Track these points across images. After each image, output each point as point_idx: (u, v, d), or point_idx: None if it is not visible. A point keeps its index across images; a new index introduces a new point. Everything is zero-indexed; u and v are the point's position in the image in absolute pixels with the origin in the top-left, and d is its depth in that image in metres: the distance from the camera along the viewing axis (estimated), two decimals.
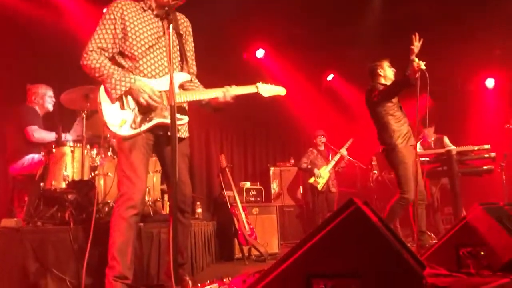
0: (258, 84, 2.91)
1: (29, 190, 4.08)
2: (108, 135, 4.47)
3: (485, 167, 5.75)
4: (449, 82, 8.35)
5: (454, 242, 2.76)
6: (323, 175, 6.85)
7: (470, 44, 7.18)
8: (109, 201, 4.00)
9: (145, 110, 2.59)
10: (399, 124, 4.33)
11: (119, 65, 2.67)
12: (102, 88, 2.61)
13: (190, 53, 2.93)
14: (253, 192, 6.04)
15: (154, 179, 4.14)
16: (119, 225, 2.54)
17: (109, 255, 2.53)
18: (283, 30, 7.19)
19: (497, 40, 7.33)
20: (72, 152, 4.03)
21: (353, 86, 8.48)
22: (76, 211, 3.61)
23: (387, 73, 4.49)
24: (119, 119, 2.55)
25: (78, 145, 4.08)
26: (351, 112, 8.50)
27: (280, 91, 3.02)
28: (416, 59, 3.94)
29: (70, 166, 3.97)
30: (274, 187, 7.44)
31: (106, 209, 3.94)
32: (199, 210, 5.13)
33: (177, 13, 2.86)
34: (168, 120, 2.52)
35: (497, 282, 2.16)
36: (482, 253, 2.62)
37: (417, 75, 3.92)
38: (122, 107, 2.57)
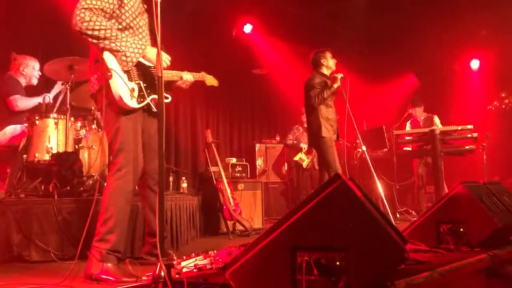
0: (203, 73, 3.12)
1: (12, 161, 4.02)
2: (93, 108, 4.42)
3: (467, 147, 5.86)
4: (434, 63, 8.40)
5: (435, 219, 2.82)
6: (308, 152, 6.89)
7: (455, 24, 7.19)
8: (93, 174, 3.99)
9: (147, 84, 2.62)
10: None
11: None
12: (108, 54, 2.51)
13: None
14: (238, 168, 6.05)
15: None
16: (118, 199, 2.53)
17: (102, 228, 2.52)
18: (271, 4, 7.09)
19: (483, 21, 7.35)
20: (56, 124, 3.97)
21: (339, 63, 8.44)
22: (60, 184, 3.59)
23: (329, 63, 4.93)
24: (128, 90, 2.52)
25: (62, 117, 4.02)
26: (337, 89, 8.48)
27: (216, 82, 3.27)
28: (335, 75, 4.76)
29: (54, 138, 3.92)
30: (260, 163, 7.47)
31: (91, 181, 3.92)
32: (184, 185, 5.13)
33: None
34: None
35: (475, 257, 2.22)
36: (461, 229, 2.68)
37: (336, 83, 4.69)
38: (130, 78, 2.55)
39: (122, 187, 2.54)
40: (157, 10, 2.18)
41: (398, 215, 6.46)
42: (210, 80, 3.21)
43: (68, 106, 3.96)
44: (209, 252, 2.58)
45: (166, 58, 2.77)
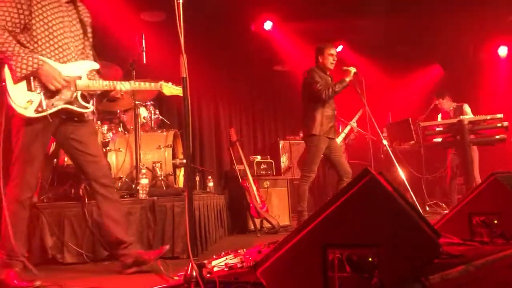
0: (161, 82, 2.93)
1: (42, 166, 4.11)
2: (119, 111, 4.49)
3: (497, 137, 5.69)
4: (461, 51, 8.20)
5: (467, 211, 2.76)
6: None
7: (482, 11, 6.99)
8: (121, 176, 4.05)
9: (52, 94, 2.57)
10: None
11: (22, 45, 2.56)
12: (7, 66, 2.53)
13: (90, 43, 2.89)
14: (263, 166, 6.05)
15: (166, 154, 4.16)
16: (12, 207, 2.53)
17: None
18: (291, 0, 7.04)
19: (511, 6, 7.13)
20: None
21: (362, 56, 8.35)
22: (89, 187, 3.66)
23: (326, 61, 4.79)
24: (25, 100, 2.50)
25: None
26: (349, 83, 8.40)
27: (179, 91, 3.00)
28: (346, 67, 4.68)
29: None
30: (284, 160, 7.44)
31: (119, 184, 3.99)
32: (210, 184, 5.16)
33: (78, 3, 2.83)
34: (73, 107, 2.62)
35: (511, 250, 2.16)
36: (495, 221, 2.61)
37: (348, 77, 4.60)
38: (30, 88, 2.52)
39: (18, 196, 2.56)
40: (179, 11, 2.19)
41: (427, 208, 6.35)
42: (170, 90, 2.96)
43: (94, 110, 4.02)
44: (239, 251, 2.58)
45: (89, 66, 2.75)
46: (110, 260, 3.29)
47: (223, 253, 2.55)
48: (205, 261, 2.32)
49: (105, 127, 4.40)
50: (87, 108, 2.71)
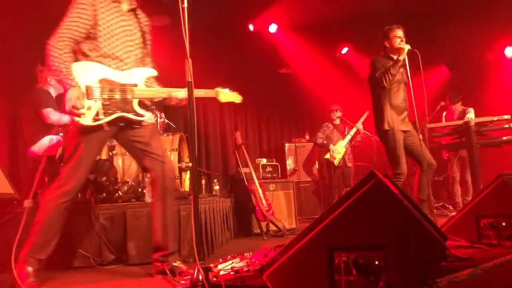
0: (217, 89, 2.89)
1: (49, 171, 4.14)
2: None
3: (504, 138, 5.65)
4: (467, 52, 8.15)
5: (474, 214, 2.74)
6: (339, 150, 6.81)
7: (488, 12, 6.96)
8: (128, 180, 4.06)
9: (109, 103, 2.58)
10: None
11: (84, 53, 2.62)
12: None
13: (148, 51, 2.91)
14: (269, 169, 6.05)
15: (172, 157, 4.17)
16: (46, 208, 2.56)
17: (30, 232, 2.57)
18: (296, 3, 7.05)
19: None
20: None
21: (368, 58, 8.31)
22: (96, 191, 3.67)
23: (393, 43, 4.33)
24: (84, 107, 2.51)
25: None
26: (366, 85, 8.37)
27: (236, 97, 2.96)
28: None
29: None
30: (290, 163, 7.44)
31: (125, 187, 4.00)
32: (216, 187, 5.16)
33: (138, 11, 2.85)
34: (129, 114, 2.62)
35: None
36: (503, 224, 2.60)
37: (402, 55, 4.11)
38: (88, 96, 2.54)
39: (54, 198, 2.58)
40: (184, 16, 2.21)
41: (434, 211, 6.31)
42: (226, 96, 2.91)
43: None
44: (245, 254, 2.58)
45: (146, 74, 2.77)
46: (116, 264, 3.30)
47: (229, 256, 2.55)
48: (211, 265, 2.32)
49: None
50: (143, 116, 2.70)
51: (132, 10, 2.80)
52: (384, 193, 1.65)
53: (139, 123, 2.72)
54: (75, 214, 3.38)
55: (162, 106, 2.83)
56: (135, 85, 2.67)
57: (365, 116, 6.82)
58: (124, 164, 4.15)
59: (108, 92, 2.57)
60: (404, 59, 4.15)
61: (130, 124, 2.71)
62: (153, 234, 2.78)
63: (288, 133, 8.50)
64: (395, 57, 4.23)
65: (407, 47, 4.11)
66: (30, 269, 2.48)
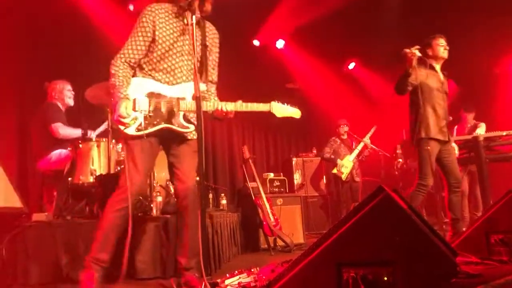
0: (272, 103, 2.89)
1: (58, 185, 4.17)
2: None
3: None
4: (475, 66, 8.14)
5: (484, 229, 2.71)
6: (346, 164, 6.79)
7: (495, 26, 6.96)
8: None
9: (155, 114, 2.67)
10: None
11: (140, 66, 2.76)
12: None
13: (213, 63, 2.97)
14: (276, 183, 6.03)
15: None
16: (108, 216, 2.64)
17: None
18: (303, 17, 7.10)
19: None
20: (98, 146, 4.10)
21: (375, 73, 8.36)
22: (104, 205, 3.68)
23: (436, 53, 4.32)
24: (130, 118, 2.62)
25: (104, 139, 4.15)
26: (373, 100, 8.38)
27: (295, 113, 2.94)
28: (408, 50, 3.98)
29: (97, 160, 4.04)
30: (297, 177, 7.41)
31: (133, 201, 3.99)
32: (223, 202, 5.14)
33: (207, 23, 2.91)
34: (174, 126, 2.69)
35: None
36: None
37: (414, 62, 3.94)
38: (134, 108, 2.64)
39: (114, 204, 2.66)
40: (193, 31, 2.23)
41: (444, 226, 6.24)
42: (283, 111, 2.88)
43: (109, 128, 4.08)
44: (252, 269, 2.56)
45: None
46: (124, 278, 3.29)
47: (236, 271, 2.53)
48: (218, 280, 2.30)
49: (119, 146, 4.44)
50: (188, 128, 2.75)
51: (197, 24, 2.75)
52: (392, 208, 1.64)
53: (183, 136, 2.78)
54: (83, 228, 3.39)
55: (212, 117, 2.85)
56: (183, 99, 2.72)
57: (372, 131, 6.81)
58: None
59: (154, 105, 2.67)
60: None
61: (175, 137, 2.78)
62: (177, 248, 2.87)
63: (295, 147, 8.49)
64: (434, 64, 4.28)
65: (415, 50, 3.96)
66: (95, 274, 2.55)
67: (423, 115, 4.12)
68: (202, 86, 2.82)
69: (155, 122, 2.67)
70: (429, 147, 4.06)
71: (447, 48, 4.32)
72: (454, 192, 4.17)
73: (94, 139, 4.17)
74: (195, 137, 2.83)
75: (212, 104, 2.74)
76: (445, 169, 4.21)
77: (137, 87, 2.70)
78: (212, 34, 2.95)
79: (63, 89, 4.67)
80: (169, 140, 2.82)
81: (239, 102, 2.77)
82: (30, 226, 3.30)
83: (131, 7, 6.23)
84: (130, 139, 2.68)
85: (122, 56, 2.71)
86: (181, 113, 2.72)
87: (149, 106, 2.65)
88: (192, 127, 2.76)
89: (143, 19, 2.71)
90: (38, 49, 5.44)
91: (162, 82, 2.74)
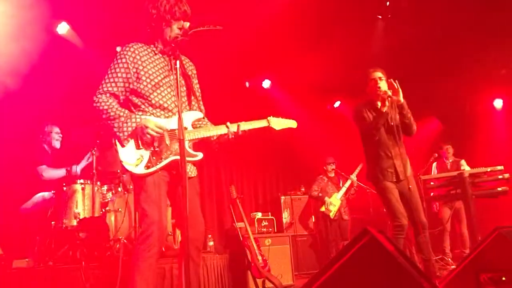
0: (269, 118, 2.92)
1: (40, 229, 4.07)
2: (119, 171, 4.50)
3: (499, 189, 5.62)
4: (456, 105, 8.33)
5: (473, 268, 2.69)
6: (334, 202, 6.77)
7: (476, 66, 7.18)
8: (120, 237, 3.99)
9: (161, 148, 2.60)
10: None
11: (133, 103, 2.70)
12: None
13: (197, 94, 2.98)
14: (264, 223, 5.98)
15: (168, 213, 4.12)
16: (139, 265, 2.46)
17: None
18: (288, 58, 7.25)
19: (503, 60, 7.33)
20: (83, 189, 4.04)
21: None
22: (87, 249, 3.60)
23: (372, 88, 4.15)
24: (135, 158, 2.55)
25: (89, 182, 4.10)
26: (359, 137, 8.46)
27: (291, 123, 3.00)
28: (381, 88, 3.90)
29: (81, 203, 3.98)
30: (286, 216, 7.36)
31: (117, 245, 3.92)
32: (211, 243, 5.07)
33: (183, 57, 2.93)
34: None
35: None
36: (503, 278, 2.54)
37: (387, 103, 3.83)
38: (138, 146, 2.57)
39: (143, 252, 2.48)
40: (177, 76, 2.26)
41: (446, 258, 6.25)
42: (280, 123, 2.96)
43: (94, 171, 4.04)
44: None
45: (193, 117, 2.79)
46: None
47: None
48: None
49: (105, 187, 4.40)
50: (197, 156, 2.70)
51: (176, 58, 2.72)
52: (377, 250, 1.62)
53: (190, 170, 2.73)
54: (65, 274, 3.29)
55: (213, 144, 2.81)
56: (185, 128, 2.67)
57: (359, 168, 6.84)
58: (117, 221, 4.10)
59: (158, 140, 2.60)
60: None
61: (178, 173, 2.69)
62: None
63: (283, 185, 8.47)
64: (378, 103, 4.00)
65: (388, 92, 3.82)
66: None
67: (379, 156, 4.03)
68: (199, 114, 2.84)
69: (163, 156, 2.60)
70: (387, 188, 3.93)
71: (383, 78, 4.06)
72: (422, 233, 3.94)
73: (79, 182, 4.11)
74: (193, 174, 2.80)
75: (214, 128, 2.74)
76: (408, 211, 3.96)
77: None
78: (190, 66, 2.99)
79: (50, 132, 4.66)
80: (173, 179, 2.70)
81: (242, 122, 2.79)
82: (9, 273, 3.19)
83: (118, 49, 6.30)
84: (142, 178, 2.57)
85: (100, 89, 2.64)
86: (187, 143, 2.69)
87: (154, 142, 2.58)
88: (200, 155, 2.71)
89: (121, 54, 2.68)
90: (33, 90, 5.43)
91: (159, 116, 2.69)
